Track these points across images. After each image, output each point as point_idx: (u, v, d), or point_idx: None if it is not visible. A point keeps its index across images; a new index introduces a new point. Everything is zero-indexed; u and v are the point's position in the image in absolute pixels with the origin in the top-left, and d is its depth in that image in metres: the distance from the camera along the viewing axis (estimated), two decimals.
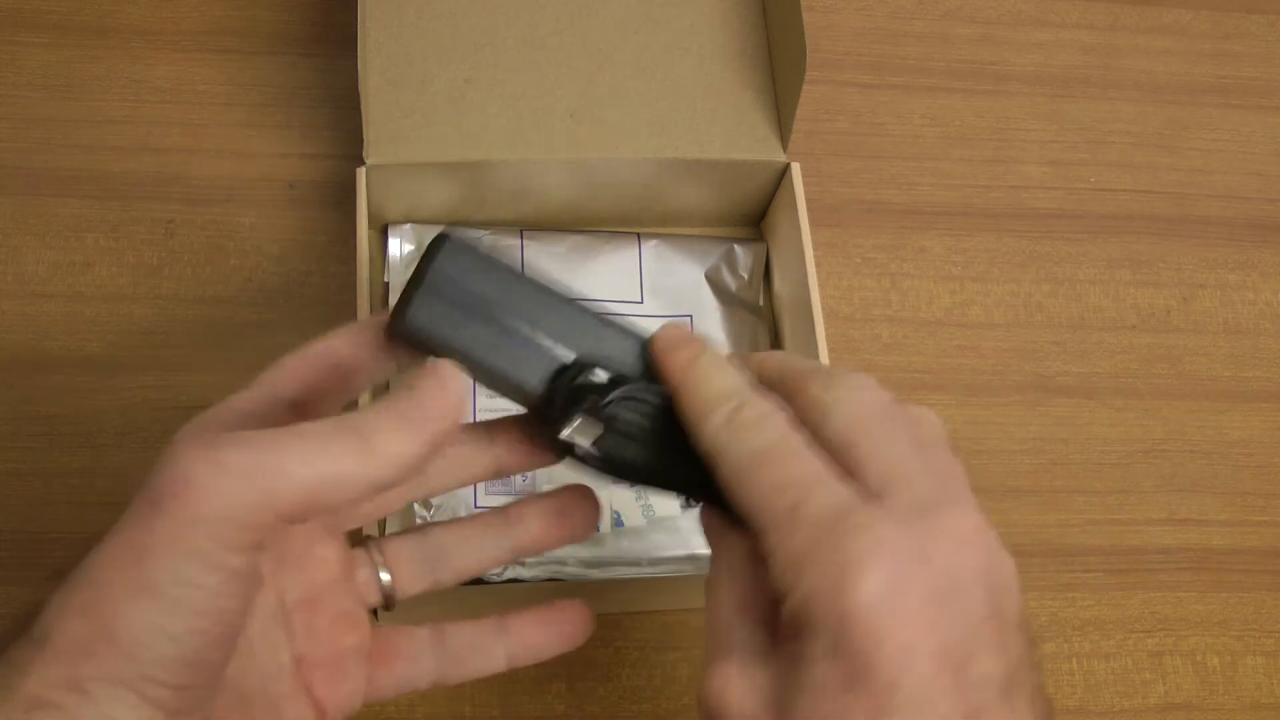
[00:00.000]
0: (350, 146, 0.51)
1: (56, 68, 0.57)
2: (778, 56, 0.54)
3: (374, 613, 0.43)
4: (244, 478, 0.28)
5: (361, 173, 0.50)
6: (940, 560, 0.28)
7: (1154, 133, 0.64)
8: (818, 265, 0.56)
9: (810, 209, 0.53)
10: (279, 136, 0.57)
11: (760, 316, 0.56)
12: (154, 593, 0.27)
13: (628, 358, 0.34)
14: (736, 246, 0.56)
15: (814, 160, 0.60)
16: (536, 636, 0.37)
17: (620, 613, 0.51)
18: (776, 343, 0.56)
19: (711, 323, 0.54)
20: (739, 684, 0.29)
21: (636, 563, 0.50)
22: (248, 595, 0.29)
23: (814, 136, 0.61)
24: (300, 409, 0.33)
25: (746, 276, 0.56)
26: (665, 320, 0.53)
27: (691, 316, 0.54)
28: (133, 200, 0.55)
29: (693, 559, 0.50)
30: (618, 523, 0.39)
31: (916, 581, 0.27)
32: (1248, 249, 0.62)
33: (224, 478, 0.28)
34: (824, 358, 0.50)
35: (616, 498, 0.49)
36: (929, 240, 0.60)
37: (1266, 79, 0.67)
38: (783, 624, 0.29)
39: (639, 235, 0.55)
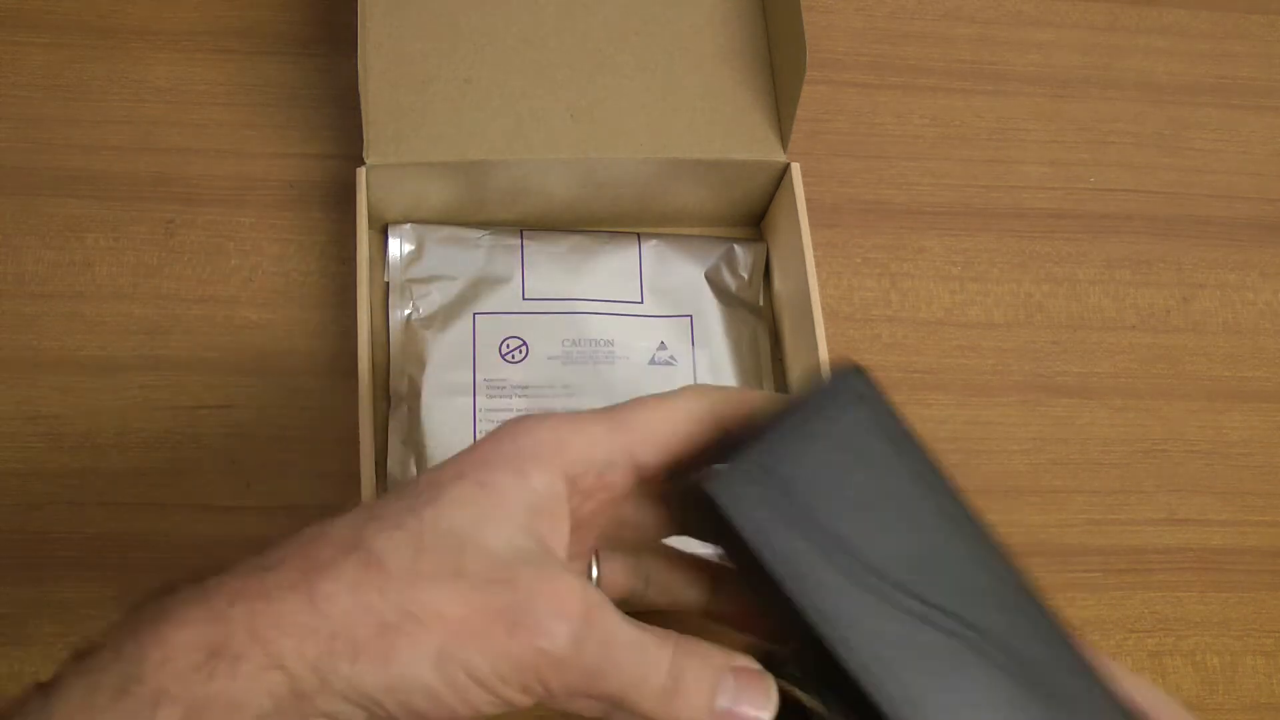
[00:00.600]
0: (350, 146, 0.51)
1: (56, 68, 0.57)
2: (778, 56, 0.54)
3: None
4: (555, 647, 0.29)
5: (361, 173, 0.50)
6: None
7: (1154, 133, 0.64)
8: (818, 265, 0.56)
9: (810, 209, 0.53)
10: (279, 136, 0.57)
11: (760, 316, 0.56)
12: (440, 669, 0.29)
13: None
14: (736, 246, 0.56)
15: (814, 160, 0.60)
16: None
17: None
18: (776, 342, 0.56)
19: (712, 323, 0.54)
20: None
21: None
22: (499, 711, 0.30)
23: (814, 136, 0.61)
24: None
25: (746, 276, 0.56)
26: (666, 320, 0.53)
27: (691, 316, 0.54)
28: (133, 200, 0.55)
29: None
30: None
31: None
32: (1248, 249, 0.62)
33: (554, 636, 0.29)
34: (824, 357, 0.50)
35: None
36: (929, 240, 0.60)
37: (1266, 79, 0.67)
38: None
39: (639, 235, 0.55)
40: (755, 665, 0.32)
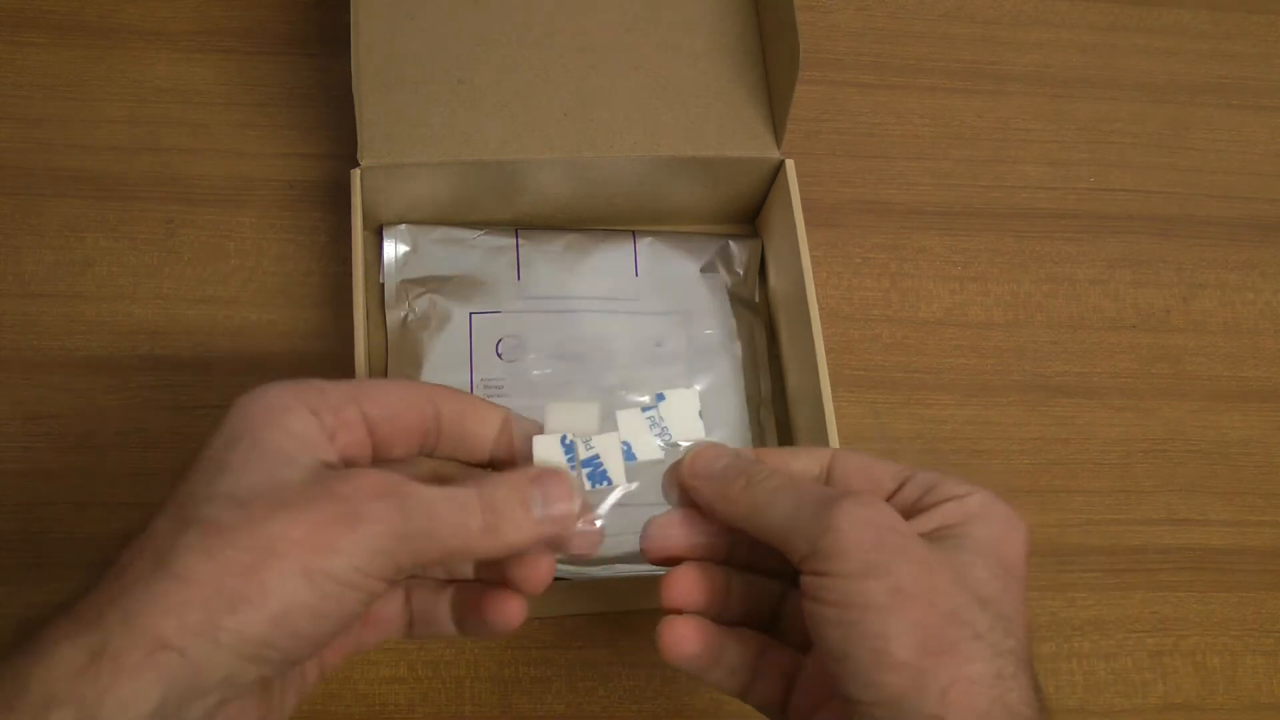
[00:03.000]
0: (350, 146, 0.51)
1: (56, 68, 0.57)
2: (771, 54, 0.54)
3: None
4: (389, 523, 0.32)
5: (356, 174, 0.50)
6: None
7: (1154, 133, 0.64)
8: (817, 265, 0.57)
9: (810, 209, 0.53)
10: (279, 136, 0.57)
11: (756, 312, 0.56)
12: (310, 582, 0.31)
13: None
14: (732, 243, 0.56)
15: (814, 160, 0.60)
16: (478, 615, 0.39)
17: (620, 612, 0.51)
18: (773, 338, 0.56)
19: (708, 319, 0.54)
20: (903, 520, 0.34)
21: (637, 560, 0.50)
22: (367, 605, 0.33)
23: (814, 136, 0.61)
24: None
25: (742, 273, 0.56)
26: (662, 316, 0.53)
27: (688, 313, 0.54)
28: (133, 200, 0.55)
29: None
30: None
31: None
32: (1248, 249, 0.62)
33: (386, 516, 0.32)
34: (820, 353, 0.50)
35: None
36: (929, 240, 0.60)
37: (1266, 79, 0.67)
38: (929, 515, 0.35)
39: (634, 233, 0.55)
40: (548, 468, 0.36)
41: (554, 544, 0.36)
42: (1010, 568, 0.34)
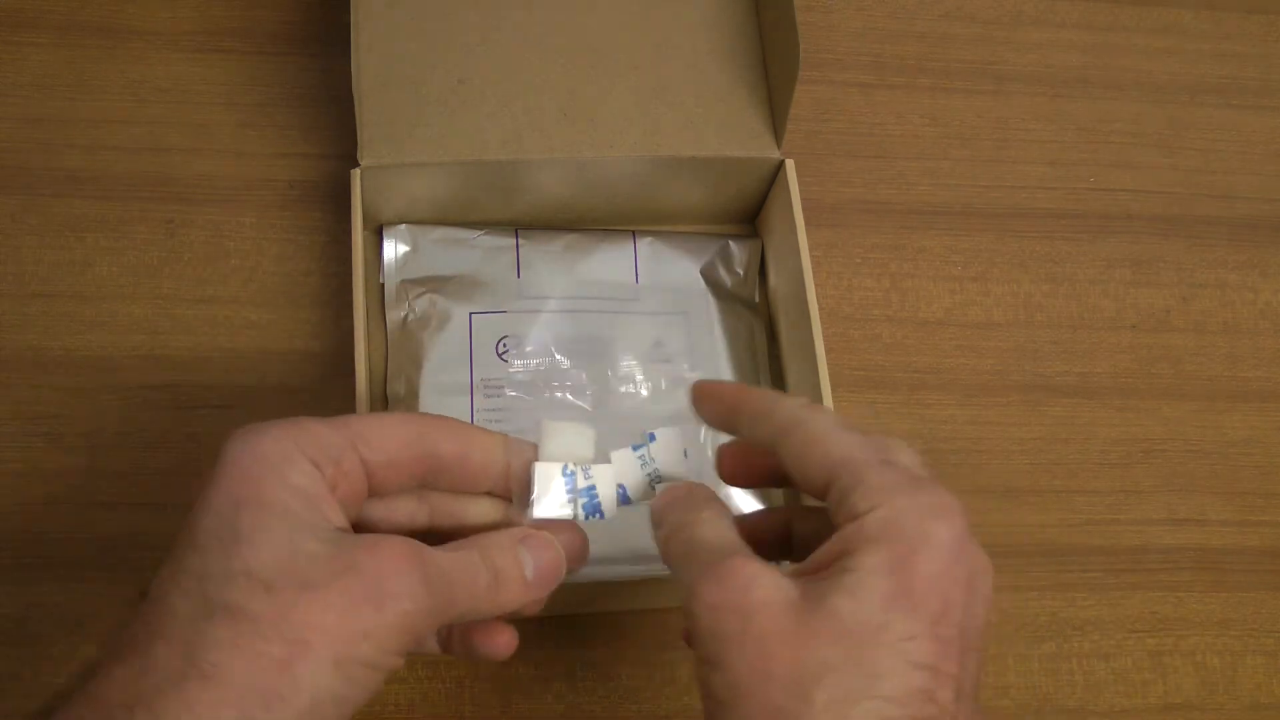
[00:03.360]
0: (350, 146, 0.51)
1: (56, 68, 0.57)
2: (771, 54, 0.54)
3: None
4: (416, 600, 0.32)
5: (356, 174, 0.50)
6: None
7: (1154, 133, 0.64)
8: (817, 265, 0.57)
9: (810, 209, 0.53)
10: (279, 136, 0.57)
11: (756, 312, 0.56)
12: (340, 671, 0.31)
13: None
14: (732, 243, 0.56)
15: (814, 160, 0.60)
16: (465, 642, 0.39)
17: (620, 612, 0.51)
18: (773, 339, 0.56)
19: (708, 319, 0.54)
20: (767, 579, 0.31)
21: (637, 560, 0.50)
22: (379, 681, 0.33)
23: (814, 136, 0.61)
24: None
25: (742, 273, 0.56)
26: (662, 317, 0.53)
27: (687, 313, 0.54)
28: (133, 200, 0.55)
29: None
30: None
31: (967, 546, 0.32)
32: (1248, 249, 0.62)
33: (412, 592, 0.32)
34: (820, 353, 0.50)
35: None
36: (929, 240, 0.60)
37: (1266, 79, 0.67)
38: (829, 544, 0.32)
39: (634, 233, 0.55)
40: (534, 530, 0.37)
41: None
42: (917, 589, 0.30)
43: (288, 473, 0.32)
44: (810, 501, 0.36)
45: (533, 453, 0.38)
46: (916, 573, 0.30)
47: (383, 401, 0.51)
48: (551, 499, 0.38)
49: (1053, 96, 0.64)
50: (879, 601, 0.30)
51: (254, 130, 0.57)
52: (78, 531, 0.49)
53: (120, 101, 0.57)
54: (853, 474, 0.32)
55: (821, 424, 0.34)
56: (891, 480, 0.32)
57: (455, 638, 0.38)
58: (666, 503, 0.37)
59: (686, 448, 0.41)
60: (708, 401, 0.38)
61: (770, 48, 0.55)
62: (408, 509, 0.38)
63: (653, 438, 0.40)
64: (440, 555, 0.33)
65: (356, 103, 0.50)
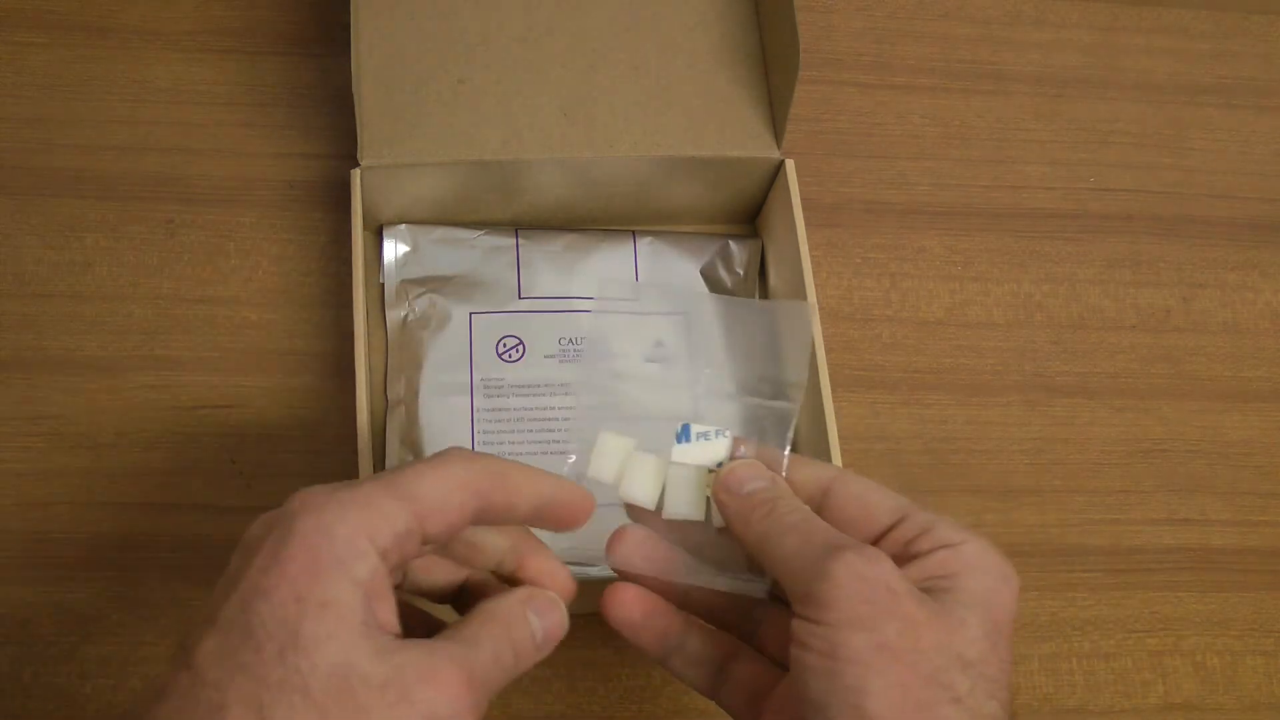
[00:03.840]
0: (350, 146, 0.51)
1: (56, 68, 0.57)
2: (771, 53, 0.54)
3: None
4: (477, 713, 0.32)
5: (356, 174, 0.50)
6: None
7: (1154, 133, 0.64)
8: (817, 265, 0.57)
9: (810, 209, 0.53)
10: (279, 136, 0.57)
11: (748, 307, 0.56)
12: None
13: None
14: (732, 243, 0.56)
15: (814, 160, 0.60)
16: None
17: None
18: None
19: (708, 319, 0.54)
20: (899, 571, 0.34)
21: None
22: None
23: (814, 136, 0.61)
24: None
25: (742, 272, 0.56)
26: (662, 317, 0.53)
27: (687, 313, 0.54)
28: (133, 200, 0.55)
29: None
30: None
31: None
32: (1248, 249, 0.62)
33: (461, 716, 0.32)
34: (820, 354, 0.50)
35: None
36: (929, 240, 0.60)
37: (1266, 79, 0.67)
38: (922, 562, 0.35)
39: (634, 233, 0.55)
40: (537, 590, 0.37)
41: None
42: (999, 624, 0.34)
43: (354, 567, 0.31)
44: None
45: (579, 500, 0.38)
46: (1005, 609, 0.35)
47: (383, 401, 0.51)
48: (680, 498, 0.39)
49: (1053, 96, 0.64)
50: (992, 625, 0.34)
51: (254, 130, 0.57)
52: (78, 531, 0.49)
53: (120, 101, 0.57)
54: (924, 513, 0.36)
55: (863, 479, 0.38)
56: (955, 523, 0.36)
57: None
58: (750, 475, 0.38)
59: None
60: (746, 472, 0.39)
61: (770, 48, 0.55)
62: (444, 570, 0.38)
63: (687, 430, 0.40)
64: (483, 661, 0.33)
65: (356, 103, 0.50)
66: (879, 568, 0.34)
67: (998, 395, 0.57)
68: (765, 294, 0.57)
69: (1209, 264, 0.62)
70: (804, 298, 0.51)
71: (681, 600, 0.40)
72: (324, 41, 0.59)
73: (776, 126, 0.54)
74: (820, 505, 0.38)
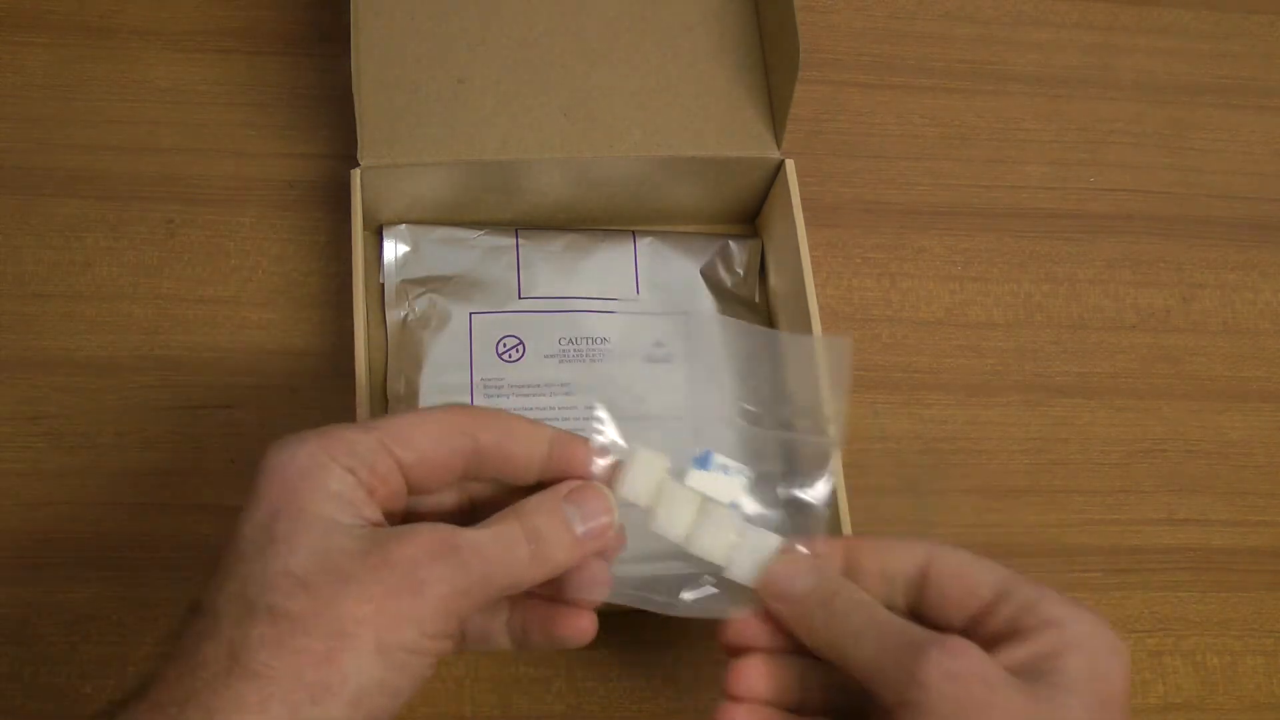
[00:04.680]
0: (350, 146, 0.51)
1: (56, 68, 0.57)
2: (771, 53, 0.54)
3: None
4: (452, 581, 0.33)
5: (356, 174, 0.50)
6: None
7: (1154, 133, 0.64)
8: (817, 265, 0.56)
9: (810, 209, 0.53)
10: (279, 136, 0.57)
11: (756, 312, 0.56)
12: (384, 658, 0.32)
13: None
14: (732, 243, 0.56)
15: (814, 160, 0.60)
16: (544, 632, 0.39)
17: (620, 612, 0.51)
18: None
19: (708, 315, 0.54)
20: (990, 659, 0.33)
21: (640, 560, 0.50)
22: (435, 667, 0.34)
23: (814, 136, 0.61)
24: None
25: (742, 273, 0.56)
26: (662, 317, 0.52)
27: (687, 313, 0.54)
28: (133, 200, 0.55)
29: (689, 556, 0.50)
30: None
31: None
32: (1248, 249, 0.62)
33: (447, 575, 0.33)
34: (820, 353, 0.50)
35: None
36: (929, 240, 0.60)
37: (1266, 79, 0.67)
38: (1028, 644, 0.34)
39: (634, 233, 0.55)
40: (579, 482, 0.37)
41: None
42: (1109, 703, 0.33)
43: (323, 480, 0.33)
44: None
45: (584, 447, 0.38)
46: (1117, 687, 0.34)
47: (383, 402, 0.51)
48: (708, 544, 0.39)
49: (1053, 96, 0.64)
50: (1097, 703, 0.33)
51: (254, 130, 0.57)
52: (78, 531, 0.49)
53: (120, 101, 0.57)
54: (1027, 586, 0.35)
55: (960, 551, 0.37)
56: (1062, 597, 0.35)
57: (535, 628, 0.39)
58: (794, 572, 0.37)
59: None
60: (804, 567, 0.38)
61: (770, 48, 0.55)
62: (453, 500, 0.38)
63: (709, 458, 0.40)
64: (475, 533, 0.34)
65: (356, 102, 0.50)
66: (968, 661, 0.33)
67: (998, 395, 0.57)
68: (765, 294, 0.57)
69: (1209, 264, 0.62)
70: (805, 297, 0.51)
71: (798, 676, 0.38)
72: (324, 41, 0.59)
73: (776, 126, 0.54)
74: (920, 587, 0.37)
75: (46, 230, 0.54)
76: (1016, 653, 0.34)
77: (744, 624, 0.38)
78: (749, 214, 0.58)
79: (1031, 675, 0.33)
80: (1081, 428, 0.57)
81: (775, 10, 0.53)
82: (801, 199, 0.52)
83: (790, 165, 0.53)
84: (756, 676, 0.38)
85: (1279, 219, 0.63)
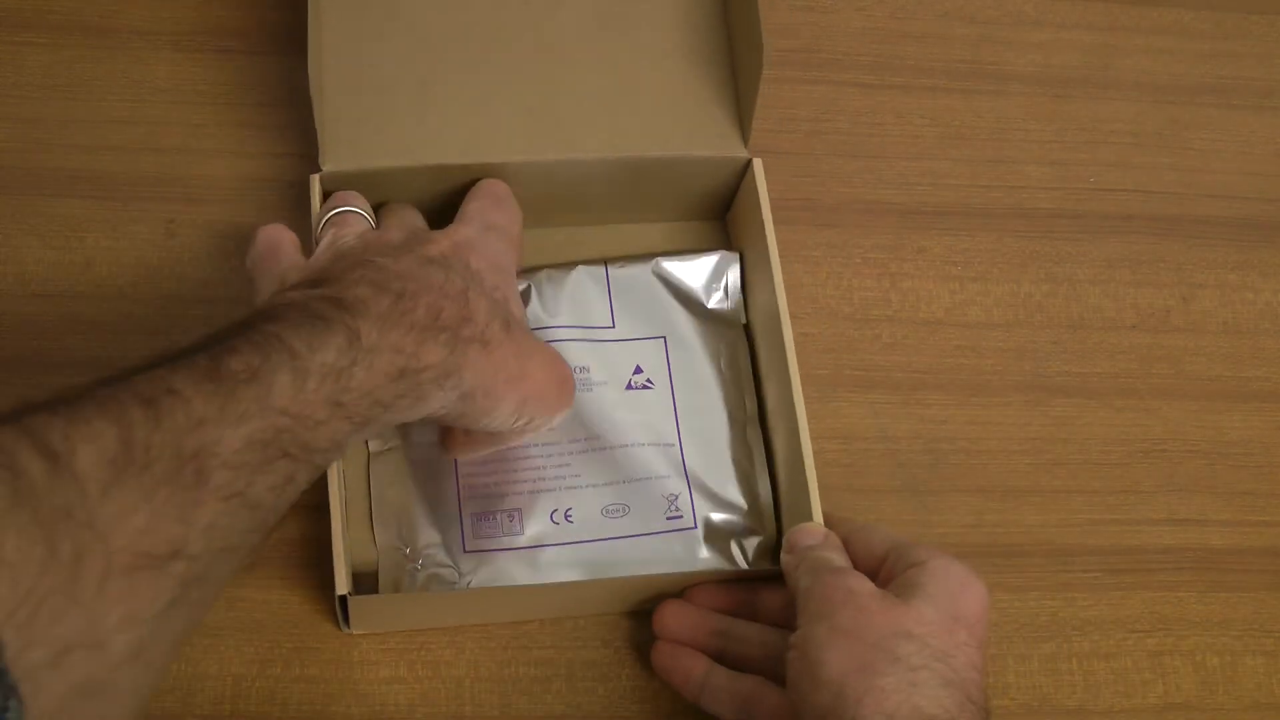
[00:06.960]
0: None
1: (56, 68, 0.57)
2: (737, 53, 0.54)
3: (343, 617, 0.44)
4: None
5: (315, 179, 0.49)
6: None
7: (1154, 133, 0.64)
8: (817, 265, 0.57)
9: (810, 209, 0.53)
10: (279, 136, 0.57)
11: (735, 328, 0.55)
12: None
13: None
14: (706, 261, 0.55)
15: (814, 160, 0.60)
16: None
17: (620, 612, 0.51)
18: (752, 349, 0.54)
19: (687, 341, 0.53)
20: (867, 582, 0.44)
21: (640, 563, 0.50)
22: None
23: (814, 136, 0.61)
24: None
25: (720, 289, 0.55)
26: (640, 343, 0.52)
27: (665, 337, 0.53)
28: (133, 200, 0.55)
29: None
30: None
31: None
32: (1248, 249, 0.62)
33: None
34: (790, 354, 0.49)
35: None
36: (929, 240, 0.60)
37: (1266, 79, 0.67)
38: (898, 581, 0.44)
39: (605, 262, 0.54)
40: None
41: None
42: (958, 619, 0.42)
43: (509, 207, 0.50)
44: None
45: None
46: (969, 607, 0.42)
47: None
48: None
49: (1053, 96, 0.64)
50: (947, 614, 0.42)
51: (254, 130, 0.57)
52: None
53: (120, 101, 0.57)
54: (910, 546, 0.45)
55: (871, 525, 0.48)
56: (932, 548, 0.44)
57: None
58: (809, 534, 0.47)
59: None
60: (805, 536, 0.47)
61: (737, 47, 0.54)
62: None
63: None
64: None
65: (315, 105, 0.49)
66: (842, 577, 0.43)
67: (998, 395, 0.57)
68: (746, 299, 0.55)
69: (1209, 264, 0.62)
70: (775, 298, 0.50)
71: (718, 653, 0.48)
72: None
73: (743, 125, 0.53)
74: (847, 550, 0.47)
75: (46, 230, 0.54)
76: (895, 584, 0.43)
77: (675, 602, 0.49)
78: (718, 212, 0.57)
79: (902, 593, 0.42)
80: (1081, 428, 0.57)
81: (741, 9, 0.52)
82: (801, 199, 0.52)
83: (758, 164, 0.52)
84: (679, 613, 0.49)
85: (1279, 219, 0.63)
